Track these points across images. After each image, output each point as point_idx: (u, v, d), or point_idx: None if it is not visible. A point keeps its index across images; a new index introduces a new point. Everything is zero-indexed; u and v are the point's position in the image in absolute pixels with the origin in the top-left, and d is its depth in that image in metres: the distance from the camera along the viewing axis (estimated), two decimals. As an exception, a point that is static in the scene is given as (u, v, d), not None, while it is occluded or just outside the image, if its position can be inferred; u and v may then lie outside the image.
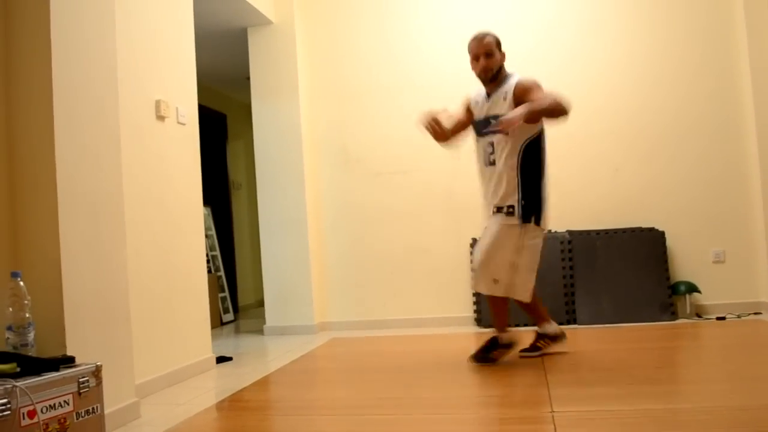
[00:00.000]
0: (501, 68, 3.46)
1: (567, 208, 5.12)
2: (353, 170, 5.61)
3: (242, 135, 8.04)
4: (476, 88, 3.63)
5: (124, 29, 3.42)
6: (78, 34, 2.75)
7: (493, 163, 3.44)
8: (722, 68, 5.03)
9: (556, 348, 3.67)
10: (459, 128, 3.70)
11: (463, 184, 5.29)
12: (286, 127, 5.51)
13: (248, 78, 5.66)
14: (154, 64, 3.73)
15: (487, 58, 3.40)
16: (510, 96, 3.36)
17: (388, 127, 5.54)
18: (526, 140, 3.36)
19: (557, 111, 3.18)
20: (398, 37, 5.55)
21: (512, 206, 3.37)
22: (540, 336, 3.67)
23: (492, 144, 3.44)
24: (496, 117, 3.35)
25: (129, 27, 3.49)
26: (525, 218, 3.35)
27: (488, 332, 4.82)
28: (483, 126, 3.49)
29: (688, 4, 5.10)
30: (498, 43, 3.45)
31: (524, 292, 3.42)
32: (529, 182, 3.38)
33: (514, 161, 3.36)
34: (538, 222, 3.40)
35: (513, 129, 3.21)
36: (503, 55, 3.47)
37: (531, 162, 3.38)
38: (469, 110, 3.65)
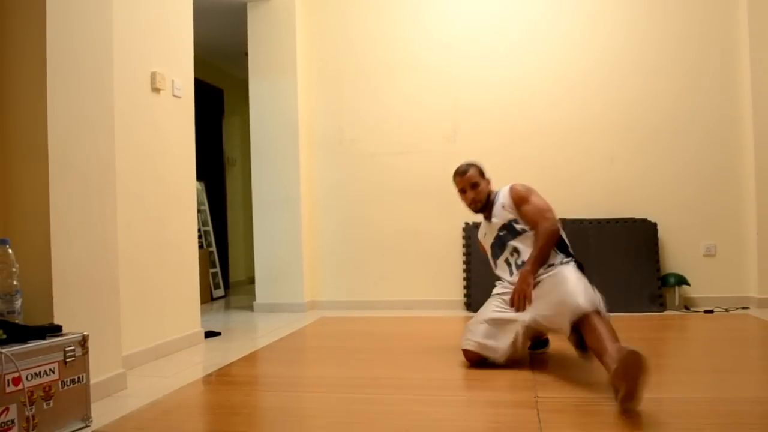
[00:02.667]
0: (489, 194, 3.42)
1: (560, 196, 5.09)
2: (348, 150, 5.60)
3: (239, 111, 8.01)
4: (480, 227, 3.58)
5: (122, 1, 3.39)
6: (74, 2, 2.72)
7: (523, 264, 3.22)
8: (722, 62, 5.03)
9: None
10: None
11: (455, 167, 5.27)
12: (283, 105, 5.49)
13: (246, 53, 5.62)
14: (151, 36, 3.70)
15: (474, 189, 3.38)
16: (508, 203, 3.31)
17: (385, 108, 5.53)
18: None
19: (551, 243, 3.16)
20: (400, 16, 5.52)
21: (565, 260, 3.19)
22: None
23: (515, 249, 3.28)
24: (505, 226, 3.31)
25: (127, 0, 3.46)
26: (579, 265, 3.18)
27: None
28: (499, 243, 3.37)
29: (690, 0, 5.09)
30: (481, 172, 3.42)
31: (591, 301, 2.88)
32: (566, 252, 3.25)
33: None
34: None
35: (528, 296, 3.07)
36: (488, 182, 3.44)
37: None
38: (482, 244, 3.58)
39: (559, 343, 3.63)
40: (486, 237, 3.48)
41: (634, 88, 5.15)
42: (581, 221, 5.05)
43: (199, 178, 4.72)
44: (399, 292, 5.46)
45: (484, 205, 3.41)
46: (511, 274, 3.30)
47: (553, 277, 3.04)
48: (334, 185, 5.64)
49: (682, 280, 4.90)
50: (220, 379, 3.16)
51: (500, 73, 5.32)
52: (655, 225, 4.99)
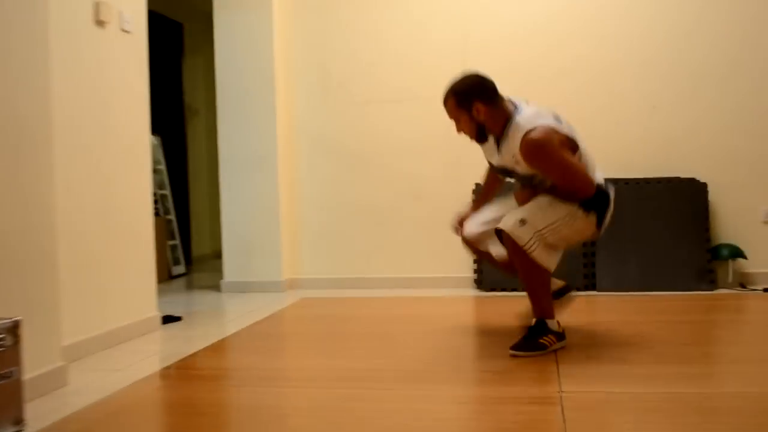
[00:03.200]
0: (484, 126, 3.27)
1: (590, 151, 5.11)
2: (335, 97, 5.56)
3: (202, 49, 7.94)
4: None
5: None
6: None
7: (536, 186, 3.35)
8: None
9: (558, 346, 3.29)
10: (491, 190, 3.78)
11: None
12: (255, 42, 5.43)
13: (210, -22, 5.56)
14: (92, -44, 3.64)
15: (457, 125, 3.33)
16: (520, 159, 3.20)
17: (380, 45, 5.48)
18: None
19: (572, 198, 3.21)
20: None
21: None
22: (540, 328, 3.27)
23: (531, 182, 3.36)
24: (516, 173, 3.32)
25: None
26: (586, 208, 3.24)
27: (488, 296, 4.86)
28: (506, 173, 3.44)
29: None
30: (462, 101, 3.24)
31: (546, 259, 3.20)
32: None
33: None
34: (599, 221, 3.32)
35: None
36: (479, 110, 3.21)
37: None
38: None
39: (587, 329, 3.65)
40: (489, 153, 3.46)
41: (678, 15, 5.10)
42: (615, 181, 5.03)
43: (154, 131, 4.69)
44: (396, 267, 5.47)
45: (482, 134, 3.32)
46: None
47: (544, 196, 3.26)
48: (318, 140, 5.61)
49: (737, 253, 4.90)
50: (180, 372, 3.17)
51: (518, 2, 5.27)
52: (704, 185, 4.99)
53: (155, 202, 6.54)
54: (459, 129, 3.34)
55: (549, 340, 3.17)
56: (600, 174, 3.36)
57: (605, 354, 3.13)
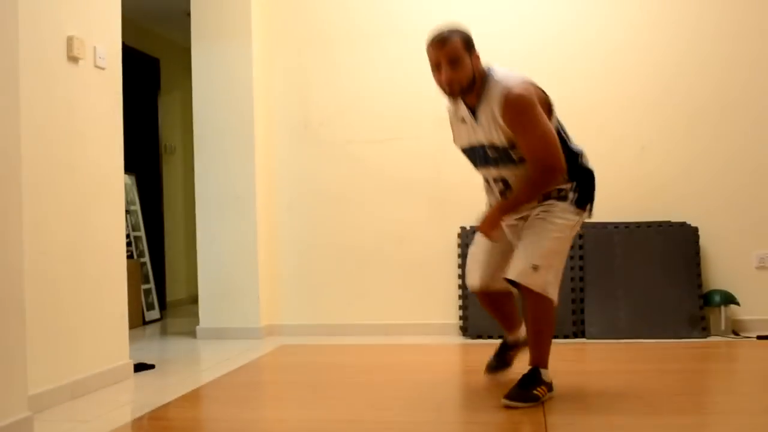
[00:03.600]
0: (474, 79, 3.11)
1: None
2: (317, 136, 5.58)
3: (179, 86, 7.97)
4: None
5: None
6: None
7: (504, 194, 3.32)
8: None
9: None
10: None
11: (455, 158, 5.27)
12: (234, 79, 5.46)
13: (189, 14, 5.60)
14: (67, -9, 3.67)
15: (453, 68, 3.06)
16: (499, 115, 3.06)
17: (362, 83, 5.52)
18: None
19: (539, 191, 3.17)
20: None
21: (563, 190, 3.22)
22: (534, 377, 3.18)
23: (504, 180, 3.27)
24: (494, 147, 3.17)
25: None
26: (579, 204, 3.24)
27: (474, 343, 4.85)
28: (482, 158, 3.28)
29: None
30: (467, 43, 3.10)
31: (554, 290, 3.20)
32: (570, 164, 3.17)
33: None
34: (586, 209, 3.31)
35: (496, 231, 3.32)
36: (477, 58, 3.12)
37: (564, 148, 3.17)
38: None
39: (575, 378, 3.65)
40: (463, 133, 3.33)
41: (674, 58, 5.17)
42: (605, 225, 5.07)
43: (128, 169, 4.69)
44: (378, 314, 5.45)
45: (464, 89, 3.13)
46: (497, 198, 3.37)
47: (537, 220, 3.22)
48: (298, 180, 5.62)
49: (729, 299, 4.93)
50: (153, 423, 3.14)
51: (504, 40, 5.31)
52: (696, 230, 5.02)
53: (129, 244, 6.51)
54: (453, 75, 3.07)
55: (542, 391, 3.10)
56: (577, 145, 3.31)
57: (594, 404, 3.13)
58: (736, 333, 4.94)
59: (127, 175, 5.65)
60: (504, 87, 3.04)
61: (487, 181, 3.40)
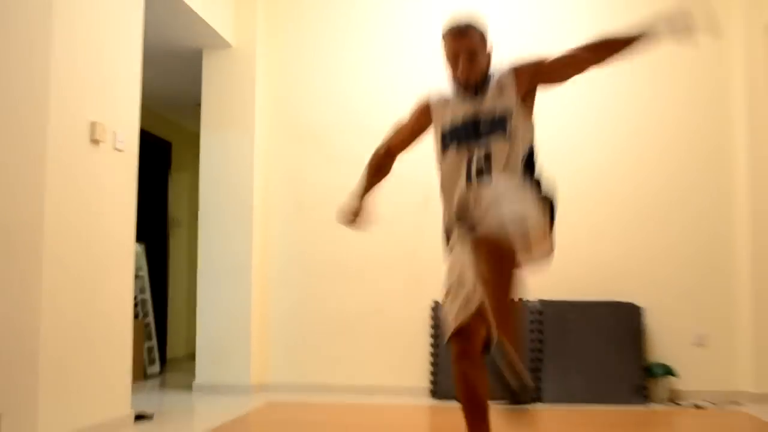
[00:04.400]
0: (487, 69, 2.74)
1: (539, 274, 5.17)
2: (308, 217, 5.60)
3: (187, 167, 8.01)
4: (440, 87, 2.92)
5: (62, 41, 3.41)
6: (2, 42, 2.73)
7: (481, 173, 2.67)
8: (718, 141, 5.20)
9: None
10: (402, 146, 3.26)
11: (430, 239, 5.31)
12: (237, 163, 5.51)
13: (199, 104, 5.66)
14: (92, 82, 3.72)
15: (471, 62, 2.68)
16: (511, 80, 2.72)
17: (349, 173, 5.55)
18: (526, 148, 2.74)
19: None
20: (367, 72, 5.62)
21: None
22: None
23: (488, 156, 2.67)
24: (491, 118, 2.71)
25: (68, 38, 3.48)
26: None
27: (443, 405, 4.80)
28: (472, 133, 2.73)
29: (689, 75, 5.28)
30: (486, 38, 2.73)
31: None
32: (536, 180, 2.76)
33: (519, 169, 2.70)
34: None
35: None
36: (489, 55, 2.76)
37: (532, 159, 2.78)
38: (426, 115, 2.97)
39: None
40: (456, 110, 2.77)
41: (626, 160, 5.27)
42: (561, 302, 5.09)
43: (138, 239, 4.69)
44: (357, 376, 5.40)
45: (479, 84, 2.73)
46: (468, 180, 2.70)
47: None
48: (290, 254, 5.63)
49: (669, 371, 4.93)
50: (149, 470, 3.09)
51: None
52: (640, 310, 5.05)
53: (135, 305, 6.46)
54: (470, 68, 2.70)
55: None
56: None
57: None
58: (674, 401, 4.93)
59: (137, 244, 5.63)
60: (510, 63, 2.74)
61: (466, 164, 2.72)
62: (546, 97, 5.08)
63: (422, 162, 5.40)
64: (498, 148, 2.67)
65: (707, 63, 5.24)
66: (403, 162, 5.47)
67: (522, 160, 2.71)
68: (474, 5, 5.21)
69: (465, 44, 2.68)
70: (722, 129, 5.19)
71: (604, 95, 5.32)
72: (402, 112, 5.40)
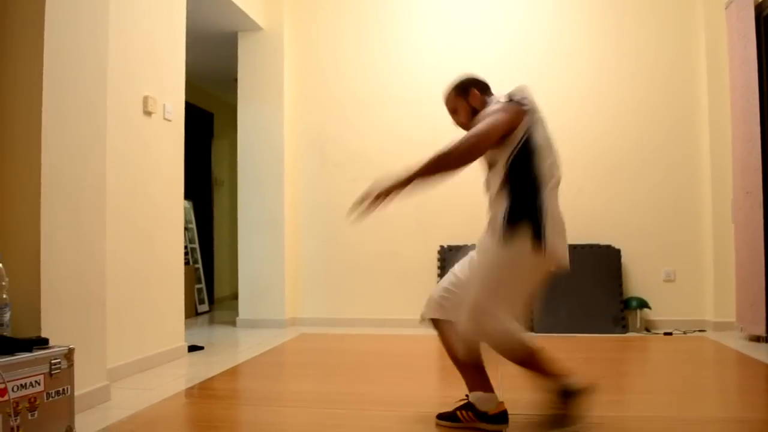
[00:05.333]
0: (476, 112, 2.66)
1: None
2: (331, 174, 5.60)
3: (227, 134, 7.99)
4: None
5: (118, 27, 3.38)
6: (71, 29, 2.71)
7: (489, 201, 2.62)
8: (684, 105, 5.10)
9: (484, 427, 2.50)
10: None
11: (436, 194, 5.29)
12: (270, 129, 5.48)
13: (236, 80, 5.62)
14: (144, 62, 3.69)
15: (454, 115, 2.75)
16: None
17: (366, 136, 5.54)
18: (509, 155, 2.51)
19: (448, 160, 2.47)
20: (382, 51, 5.55)
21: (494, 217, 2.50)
22: (467, 406, 2.57)
23: (487, 182, 2.63)
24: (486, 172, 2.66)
25: (123, 25, 3.45)
26: (508, 224, 2.43)
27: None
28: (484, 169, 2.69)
29: (658, 45, 5.16)
30: (460, 90, 2.71)
31: (472, 325, 2.42)
32: (520, 189, 2.51)
33: (501, 176, 2.53)
34: (537, 236, 2.49)
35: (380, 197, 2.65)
36: (473, 94, 2.68)
37: (521, 172, 2.53)
38: None
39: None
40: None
41: (602, 122, 5.20)
42: (550, 246, 5.06)
43: (187, 197, 4.70)
44: (376, 310, 5.44)
45: (469, 126, 2.65)
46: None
47: (478, 262, 2.53)
48: (316, 207, 5.63)
49: (643, 304, 4.93)
50: (201, 392, 3.13)
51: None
52: (618, 251, 5.03)
53: (186, 253, 6.50)
54: (456, 120, 2.75)
55: (465, 415, 2.54)
56: (549, 191, 2.68)
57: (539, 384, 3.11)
58: (648, 330, 4.93)
59: (186, 201, 5.65)
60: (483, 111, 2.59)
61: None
62: (527, 70, 4.97)
63: (427, 124, 5.39)
64: (490, 177, 2.60)
65: (674, 35, 5.14)
66: (414, 132, 5.46)
67: (502, 181, 2.52)
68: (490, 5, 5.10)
69: (446, 104, 2.74)
70: (688, 94, 5.10)
71: (578, 65, 5.23)
72: (414, 84, 5.31)
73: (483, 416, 2.49)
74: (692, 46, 5.12)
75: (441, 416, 2.61)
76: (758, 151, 4.39)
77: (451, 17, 5.48)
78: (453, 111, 2.74)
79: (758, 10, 4.53)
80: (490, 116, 2.46)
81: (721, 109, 4.91)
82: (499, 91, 2.72)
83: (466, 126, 2.67)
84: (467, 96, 2.71)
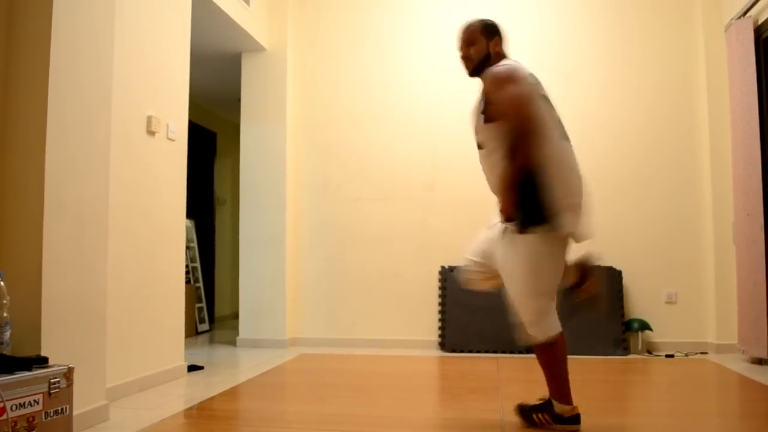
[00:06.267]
0: (489, 58, 2.64)
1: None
2: (333, 194, 5.60)
3: (230, 153, 8.01)
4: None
5: (122, 46, 3.41)
6: (75, 49, 2.73)
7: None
8: (684, 127, 5.10)
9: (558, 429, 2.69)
10: None
11: (437, 214, 5.35)
12: (272, 149, 5.50)
13: (239, 100, 5.64)
14: (148, 82, 3.71)
15: (467, 47, 2.66)
16: (482, 95, 2.63)
17: (368, 156, 5.55)
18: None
19: (525, 153, 2.45)
20: (383, 71, 5.58)
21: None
22: (543, 407, 2.75)
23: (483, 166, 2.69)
24: (476, 131, 2.66)
25: (127, 45, 3.48)
26: (524, 224, 2.54)
27: (450, 356, 4.81)
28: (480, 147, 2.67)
29: (661, 69, 5.19)
30: (485, 29, 2.65)
31: (533, 325, 2.70)
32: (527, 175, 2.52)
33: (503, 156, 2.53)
34: (540, 223, 2.53)
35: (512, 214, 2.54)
36: (497, 41, 2.65)
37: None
38: None
39: (527, 385, 3.60)
40: (474, 124, 2.69)
41: (606, 143, 5.20)
42: (551, 267, 5.05)
43: (189, 216, 4.70)
44: (376, 331, 5.42)
45: (476, 68, 2.68)
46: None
47: (507, 257, 2.62)
48: (318, 227, 5.63)
49: (645, 326, 4.90)
50: (201, 412, 3.10)
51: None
52: (620, 272, 5.02)
53: (187, 272, 6.49)
54: (464, 52, 2.68)
55: (541, 417, 2.71)
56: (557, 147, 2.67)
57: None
58: (649, 352, 4.91)
59: (188, 220, 5.64)
60: (490, 69, 2.59)
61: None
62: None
63: (428, 145, 5.40)
64: (483, 160, 2.66)
65: (675, 58, 5.17)
66: (413, 151, 5.47)
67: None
68: (486, 9, 5.16)
69: (464, 34, 2.71)
70: (689, 116, 5.11)
71: (582, 87, 5.25)
72: (415, 105, 5.31)
73: (558, 418, 2.68)
74: (693, 69, 5.14)
75: (523, 412, 2.78)
76: (759, 173, 4.39)
77: (452, 39, 5.50)
78: (469, 42, 2.67)
79: (757, 32, 4.55)
80: (509, 85, 2.46)
81: (721, 131, 4.93)
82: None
83: (470, 62, 2.67)
84: (491, 38, 2.66)
